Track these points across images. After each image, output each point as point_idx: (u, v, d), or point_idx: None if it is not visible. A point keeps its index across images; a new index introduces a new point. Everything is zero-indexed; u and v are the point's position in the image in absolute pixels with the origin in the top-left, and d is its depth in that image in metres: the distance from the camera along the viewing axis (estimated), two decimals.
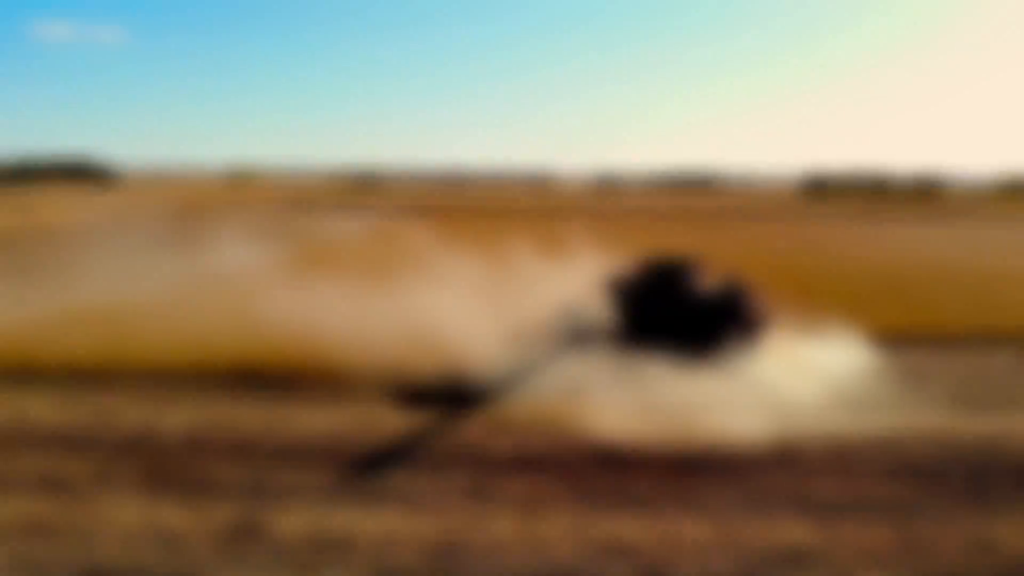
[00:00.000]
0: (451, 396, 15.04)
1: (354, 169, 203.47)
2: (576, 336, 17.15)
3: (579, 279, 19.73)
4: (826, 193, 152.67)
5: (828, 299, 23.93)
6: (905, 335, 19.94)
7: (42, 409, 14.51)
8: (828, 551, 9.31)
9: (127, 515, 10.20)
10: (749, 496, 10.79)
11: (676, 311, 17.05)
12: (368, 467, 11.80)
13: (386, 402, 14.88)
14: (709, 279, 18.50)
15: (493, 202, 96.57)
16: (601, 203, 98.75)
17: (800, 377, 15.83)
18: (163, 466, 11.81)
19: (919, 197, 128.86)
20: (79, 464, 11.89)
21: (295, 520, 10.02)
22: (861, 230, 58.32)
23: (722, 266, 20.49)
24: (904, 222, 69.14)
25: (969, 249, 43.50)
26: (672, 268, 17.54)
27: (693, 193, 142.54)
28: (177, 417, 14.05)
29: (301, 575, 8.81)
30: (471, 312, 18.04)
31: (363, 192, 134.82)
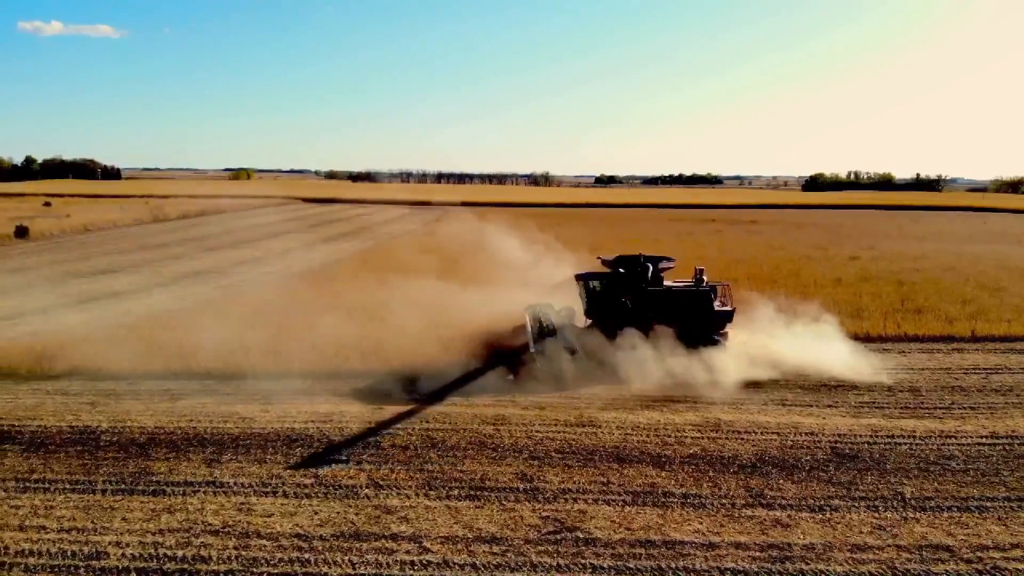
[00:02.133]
0: None
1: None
2: (543, 333, 17.27)
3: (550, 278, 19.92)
4: (825, 190, 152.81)
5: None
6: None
7: None
8: None
9: None
10: None
11: (643, 304, 17.36)
12: None
13: None
14: (676, 274, 18.79)
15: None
16: (599, 201, 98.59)
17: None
18: None
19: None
20: None
21: None
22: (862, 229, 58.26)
23: (704, 263, 20.77)
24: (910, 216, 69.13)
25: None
26: (639, 263, 17.83)
27: (693, 192, 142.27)
28: None
29: None
30: None
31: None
